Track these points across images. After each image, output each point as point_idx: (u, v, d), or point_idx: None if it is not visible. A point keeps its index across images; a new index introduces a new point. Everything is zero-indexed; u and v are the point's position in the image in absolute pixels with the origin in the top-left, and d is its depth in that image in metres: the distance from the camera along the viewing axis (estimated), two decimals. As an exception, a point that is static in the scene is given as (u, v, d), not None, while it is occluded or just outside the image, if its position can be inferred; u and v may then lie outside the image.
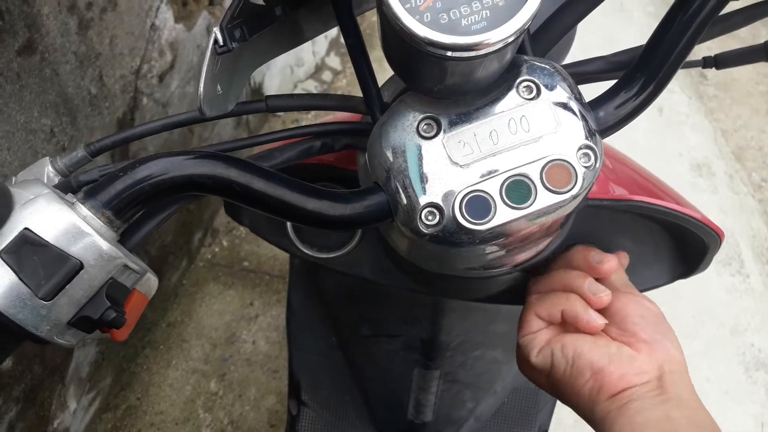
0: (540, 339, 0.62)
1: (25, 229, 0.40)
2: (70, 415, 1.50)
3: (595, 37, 2.57)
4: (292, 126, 2.27)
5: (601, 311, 0.60)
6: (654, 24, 0.52)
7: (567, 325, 0.62)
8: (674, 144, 2.50)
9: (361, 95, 0.59)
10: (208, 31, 1.63)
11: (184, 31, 1.50)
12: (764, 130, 2.59)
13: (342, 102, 0.62)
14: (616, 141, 0.75)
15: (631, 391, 0.54)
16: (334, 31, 0.63)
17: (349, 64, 2.70)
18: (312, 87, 2.59)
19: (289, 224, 0.77)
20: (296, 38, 0.62)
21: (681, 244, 0.78)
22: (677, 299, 2.00)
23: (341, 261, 0.78)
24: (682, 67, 0.57)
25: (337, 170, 0.73)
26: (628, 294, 0.61)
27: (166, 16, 1.40)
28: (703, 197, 2.32)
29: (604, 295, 0.60)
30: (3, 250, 0.39)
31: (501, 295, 0.77)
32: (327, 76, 2.67)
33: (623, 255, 0.68)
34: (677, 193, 0.77)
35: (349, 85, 2.66)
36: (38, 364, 1.29)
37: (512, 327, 0.93)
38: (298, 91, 2.55)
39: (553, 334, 0.62)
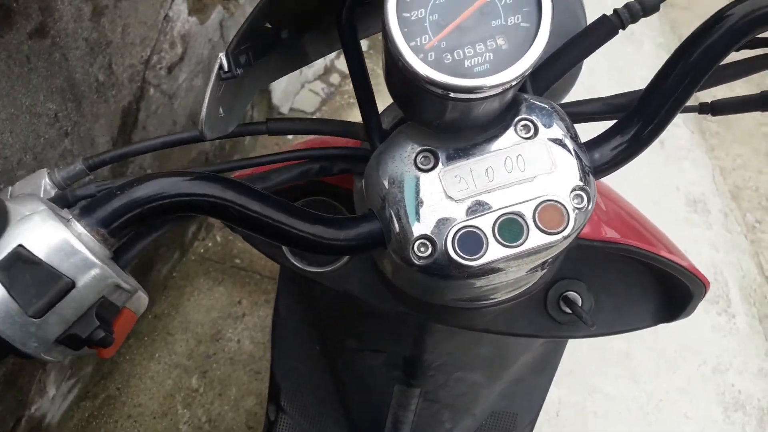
0: None
1: (19, 245, 0.39)
2: (48, 401, 1.49)
3: (605, 67, 2.58)
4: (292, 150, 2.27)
5: None
6: (663, 55, 0.52)
7: None
8: (673, 177, 2.51)
9: (361, 120, 0.59)
10: (221, 26, 1.62)
11: (197, 24, 1.49)
12: (762, 171, 2.61)
13: (342, 127, 0.62)
14: (617, 173, 0.76)
15: None
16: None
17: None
18: (319, 89, 2.58)
19: None
20: (301, 60, 0.62)
21: (667, 290, 0.79)
22: (661, 333, 2.00)
23: (331, 276, 0.78)
24: (682, 112, 0.58)
25: (334, 187, 0.73)
26: None
27: (180, 8, 1.40)
28: (696, 232, 2.33)
29: None
30: None
31: (487, 325, 0.77)
32: (335, 78, 2.66)
33: None
34: (668, 239, 0.78)
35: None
36: (21, 348, 1.28)
37: (495, 351, 0.93)
38: (305, 91, 2.54)
39: None
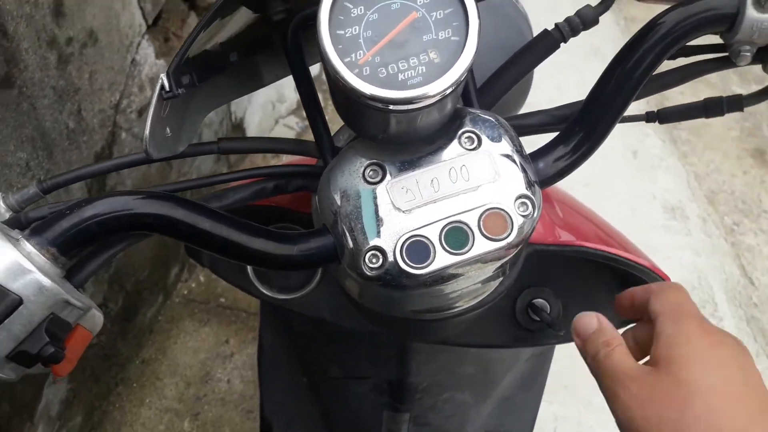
0: None
1: None
2: (36, 455, 1.46)
3: (572, 82, 2.63)
4: (272, 162, 2.28)
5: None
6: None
7: None
8: (648, 186, 2.55)
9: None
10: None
11: (164, 67, 1.51)
12: (735, 175, 2.65)
13: (295, 146, 0.63)
14: (592, 181, 0.77)
15: None
16: (316, 68, 0.66)
17: (331, 101, 2.73)
18: (293, 123, 2.61)
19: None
20: (255, 82, 0.64)
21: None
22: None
23: (301, 302, 0.78)
24: (624, 121, 0.61)
25: (293, 213, 0.74)
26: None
27: (147, 51, 1.42)
28: (677, 239, 2.36)
29: None
30: None
31: (460, 337, 0.77)
32: (308, 113, 2.69)
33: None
34: (627, 240, 0.79)
35: (330, 121, 2.68)
36: (6, 401, 1.26)
37: (480, 369, 0.92)
38: (279, 126, 2.57)
39: None
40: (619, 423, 0.50)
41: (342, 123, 0.64)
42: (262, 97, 2.36)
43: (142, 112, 1.46)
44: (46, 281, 0.42)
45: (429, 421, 0.91)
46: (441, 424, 0.93)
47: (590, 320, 0.57)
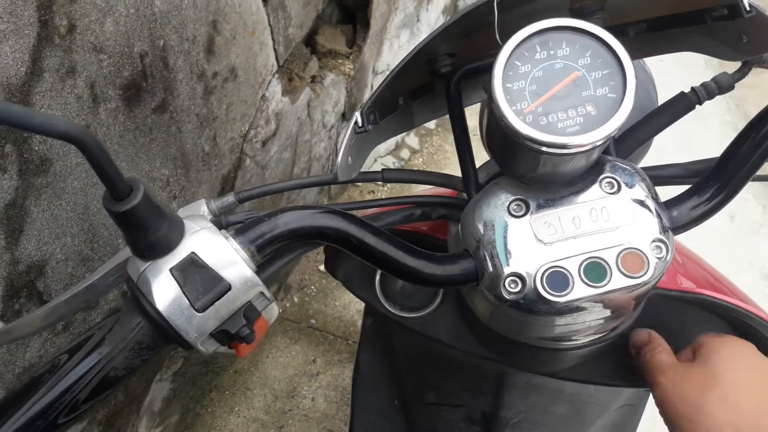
0: None
1: (192, 253, 0.49)
2: (139, 445, 1.59)
3: (673, 143, 2.63)
4: (368, 196, 2.39)
5: None
6: (728, 132, 0.60)
7: None
8: (745, 252, 2.50)
9: (459, 175, 0.69)
10: (308, 106, 1.78)
11: (288, 104, 1.65)
12: (836, 245, 2.56)
13: (444, 179, 0.72)
14: (688, 244, 0.81)
15: None
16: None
17: (426, 145, 2.83)
18: (390, 163, 2.72)
19: (377, 282, 0.85)
20: (409, 123, 0.73)
21: None
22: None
23: (420, 321, 0.84)
24: (756, 180, 0.64)
25: (428, 238, 0.81)
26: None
27: (275, 89, 1.56)
28: (772, 308, 2.29)
29: None
30: (174, 267, 0.48)
31: (567, 371, 0.80)
32: (405, 153, 2.81)
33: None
34: (743, 292, 0.81)
35: (424, 163, 2.78)
36: (122, 391, 1.39)
37: (572, 411, 0.93)
38: (377, 165, 2.69)
39: None
40: (658, 404, 0.62)
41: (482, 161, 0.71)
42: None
43: (265, 143, 1.60)
44: (249, 273, 0.50)
45: None
46: None
47: (643, 335, 0.69)
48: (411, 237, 0.82)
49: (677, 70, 3.06)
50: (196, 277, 0.48)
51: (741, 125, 0.59)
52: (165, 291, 0.48)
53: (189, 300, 0.48)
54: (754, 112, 0.60)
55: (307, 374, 1.96)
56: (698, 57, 0.67)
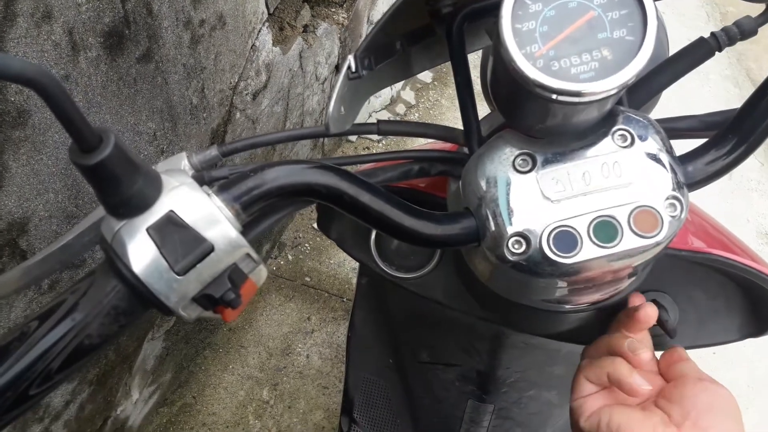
0: (590, 404, 0.62)
1: (170, 211, 0.44)
2: (131, 405, 1.58)
3: (672, 98, 2.58)
4: (363, 152, 2.34)
5: (667, 394, 0.58)
6: (730, 87, 0.56)
7: (618, 392, 0.61)
8: (743, 209, 2.48)
9: (460, 128, 0.64)
10: (300, 56, 1.72)
11: (279, 54, 1.59)
12: (835, 204, 2.55)
13: (444, 132, 0.67)
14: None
15: None
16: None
17: (423, 99, 2.77)
18: (386, 117, 2.67)
19: (372, 242, 0.82)
20: (406, 71, 0.68)
21: (753, 303, 0.78)
22: (733, 366, 1.97)
23: (416, 282, 0.81)
24: None
25: (426, 195, 0.77)
26: (701, 381, 0.58)
27: (266, 38, 1.50)
28: (769, 265, 2.29)
29: (641, 352, 0.59)
30: (150, 226, 0.44)
31: (567, 333, 0.78)
32: (401, 108, 2.75)
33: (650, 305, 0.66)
34: (753, 251, 0.78)
35: (420, 118, 2.73)
36: (113, 350, 1.37)
37: (570, 370, 0.92)
38: (372, 120, 2.64)
39: (605, 401, 0.61)
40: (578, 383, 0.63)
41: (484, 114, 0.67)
42: (359, 89, 2.43)
43: (256, 95, 1.54)
44: (233, 233, 0.46)
45: (512, 416, 0.92)
46: (523, 420, 0.93)
47: (638, 304, 0.63)
48: (408, 195, 0.78)
49: (677, 25, 2.99)
50: (176, 237, 0.44)
51: (742, 80, 0.56)
52: (142, 252, 0.44)
53: (168, 262, 0.44)
54: (755, 67, 0.56)
55: (302, 332, 1.95)
56: (700, 11, 0.63)
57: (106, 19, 1.00)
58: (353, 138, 2.49)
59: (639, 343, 0.60)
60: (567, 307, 0.64)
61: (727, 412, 0.56)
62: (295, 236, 2.17)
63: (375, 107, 2.68)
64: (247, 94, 1.50)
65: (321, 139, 2.16)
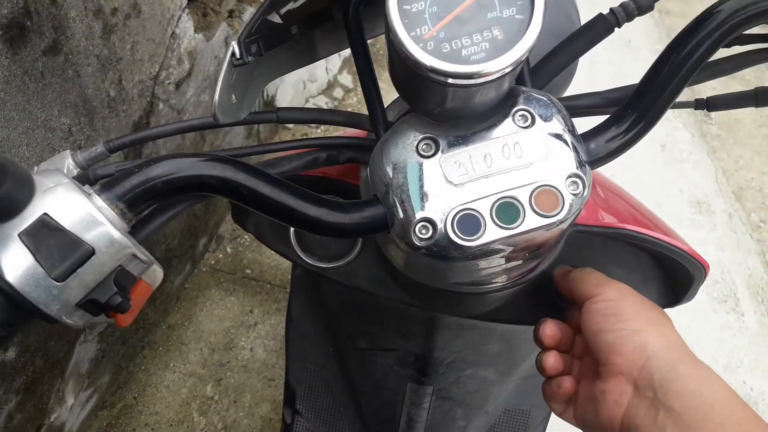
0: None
1: (44, 214, 0.42)
2: (66, 410, 1.53)
3: (605, 73, 2.62)
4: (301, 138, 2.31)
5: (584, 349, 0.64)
6: None
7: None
8: (675, 180, 2.54)
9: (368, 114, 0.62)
10: (227, 43, 1.67)
11: (203, 41, 1.54)
12: (765, 172, 2.63)
13: (349, 118, 0.65)
14: (619, 173, 0.78)
15: None
16: (348, 50, 0.68)
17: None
18: (323, 102, 2.63)
19: (291, 233, 0.80)
20: (310, 56, 0.66)
21: (668, 275, 0.80)
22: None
23: (340, 271, 0.80)
24: (675, 107, 0.60)
25: (340, 183, 0.76)
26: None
27: (186, 25, 1.45)
28: (701, 234, 2.35)
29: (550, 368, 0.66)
30: (22, 232, 0.42)
31: (494, 312, 0.78)
32: (338, 92, 2.72)
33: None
34: (667, 225, 0.80)
35: (359, 102, 2.71)
36: (40, 357, 1.32)
37: (505, 348, 0.93)
38: (309, 105, 2.60)
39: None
40: (588, 321, 0.62)
41: (392, 99, 0.66)
42: (293, 76, 2.39)
43: (179, 85, 1.49)
44: (116, 234, 0.44)
45: (451, 396, 0.93)
46: (463, 399, 0.94)
47: (566, 270, 0.68)
48: (322, 184, 0.76)
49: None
50: (51, 242, 0.42)
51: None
52: (15, 260, 0.41)
53: (44, 268, 0.42)
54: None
55: (245, 325, 1.91)
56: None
57: (3, 10, 0.94)
58: (290, 125, 2.45)
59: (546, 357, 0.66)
60: (485, 287, 0.64)
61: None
62: (233, 228, 2.12)
63: (312, 92, 2.64)
64: (169, 84, 1.45)
65: (255, 127, 2.12)
